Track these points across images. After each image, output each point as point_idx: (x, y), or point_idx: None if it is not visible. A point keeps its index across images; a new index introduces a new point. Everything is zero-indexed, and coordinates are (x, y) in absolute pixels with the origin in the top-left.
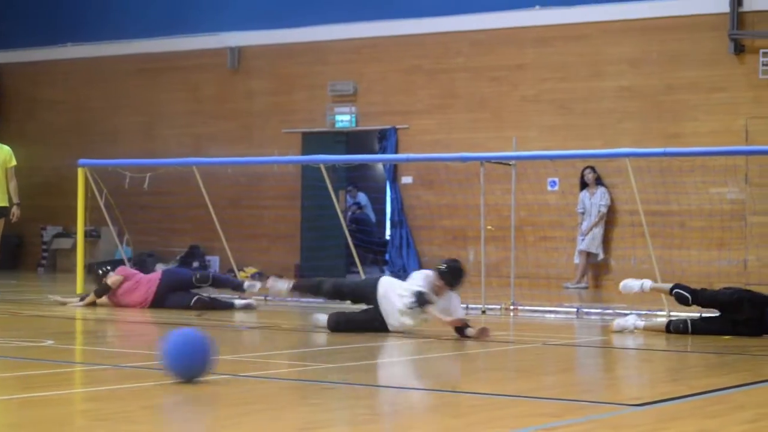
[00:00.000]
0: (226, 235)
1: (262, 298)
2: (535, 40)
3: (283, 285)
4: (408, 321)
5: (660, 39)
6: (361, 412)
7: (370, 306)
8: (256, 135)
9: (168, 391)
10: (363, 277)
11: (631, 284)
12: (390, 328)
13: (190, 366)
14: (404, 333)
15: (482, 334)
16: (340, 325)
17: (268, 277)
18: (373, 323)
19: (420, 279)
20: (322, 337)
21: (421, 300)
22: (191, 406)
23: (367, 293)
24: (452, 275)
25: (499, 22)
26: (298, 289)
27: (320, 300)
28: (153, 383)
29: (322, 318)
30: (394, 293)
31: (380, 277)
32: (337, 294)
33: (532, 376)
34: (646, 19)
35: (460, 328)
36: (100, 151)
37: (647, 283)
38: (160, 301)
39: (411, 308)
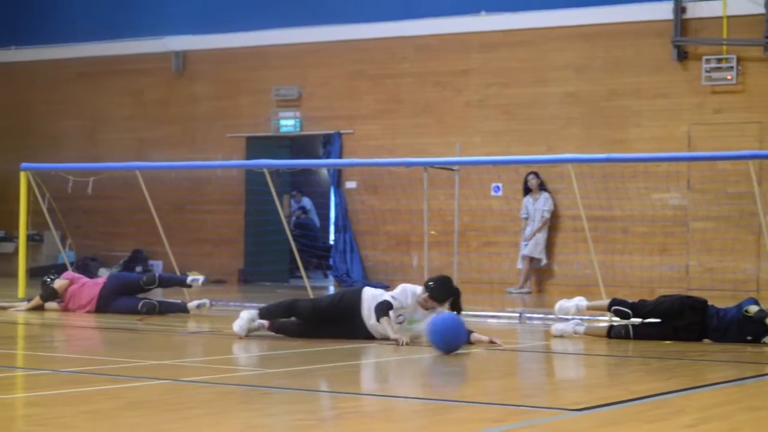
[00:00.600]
0: (169, 239)
1: (210, 304)
2: (479, 46)
3: (245, 318)
4: (404, 337)
5: (604, 45)
6: (300, 417)
7: (350, 317)
8: (199, 139)
9: (109, 396)
10: (319, 288)
11: (567, 306)
12: (376, 335)
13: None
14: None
15: (490, 344)
16: (314, 332)
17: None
18: (356, 333)
19: (396, 291)
20: (263, 342)
21: (377, 311)
22: (131, 411)
23: (351, 307)
24: (438, 290)
25: (444, 28)
26: (266, 317)
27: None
28: (93, 388)
29: (244, 323)
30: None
31: (361, 288)
32: (317, 314)
33: (474, 381)
34: (591, 25)
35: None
36: (43, 155)
37: (582, 302)
38: (104, 305)
39: (399, 323)
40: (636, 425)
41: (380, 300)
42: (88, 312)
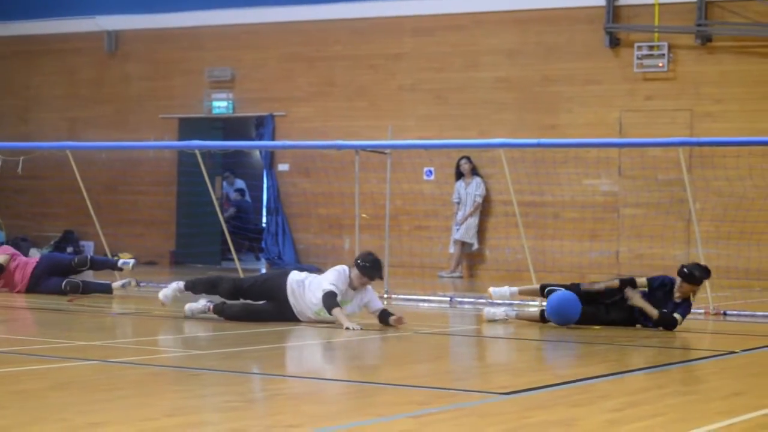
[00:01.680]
0: (100, 220)
1: (136, 283)
2: (412, 30)
3: (172, 287)
4: (327, 315)
5: (536, 31)
6: (229, 399)
7: (275, 301)
8: (132, 120)
9: (36, 376)
10: (253, 269)
11: (502, 291)
12: (303, 319)
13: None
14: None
15: (398, 322)
16: (242, 316)
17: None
18: (282, 316)
19: (332, 277)
20: (195, 324)
21: (326, 304)
22: (59, 392)
23: (275, 291)
24: (373, 269)
25: (378, 11)
26: (191, 289)
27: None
28: (20, 368)
29: (196, 306)
30: (311, 291)
31: (288, 272)
32: (238, 293)
33: (403, 365)
34: (523, 10)
35: (384, 316)
36: None
37: (513, 289)
38: (35, 285)
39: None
40: (562, 409)
41: (325, 291)
42: (19, 292)
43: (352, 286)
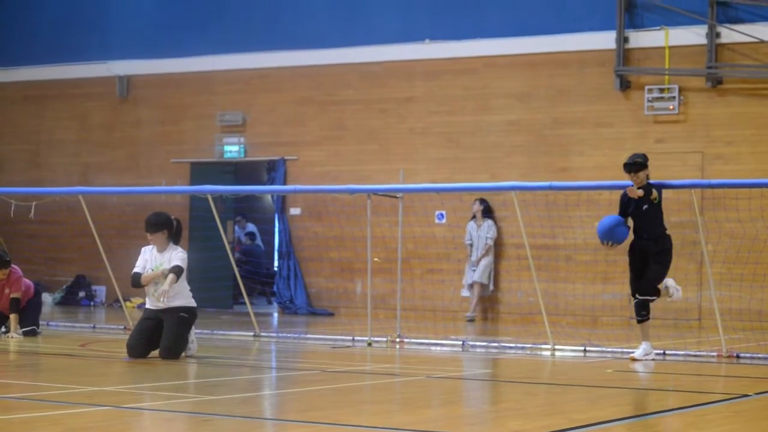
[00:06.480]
0: (112, 264)
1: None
2: (424, 74)
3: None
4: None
5: (547, 74)
6: None
7: None
8: (143, 164)
9: (49, 422)
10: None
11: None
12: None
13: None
14: None
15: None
16: None
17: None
18: None
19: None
20: (209, 369)
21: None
22: None
23: None
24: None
25: (389, 55)
26: None
27: None
28: (33, 414)
29: None
30: None
31: None
32: None
33: (415, 409)
34: (534, 54)
35: None
36: None
37: (647, 347)
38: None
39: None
40: None
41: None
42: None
43: (159, 250)
